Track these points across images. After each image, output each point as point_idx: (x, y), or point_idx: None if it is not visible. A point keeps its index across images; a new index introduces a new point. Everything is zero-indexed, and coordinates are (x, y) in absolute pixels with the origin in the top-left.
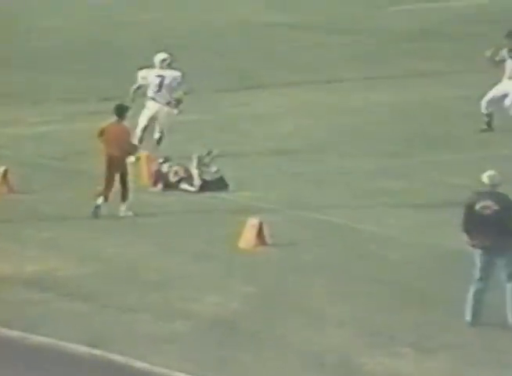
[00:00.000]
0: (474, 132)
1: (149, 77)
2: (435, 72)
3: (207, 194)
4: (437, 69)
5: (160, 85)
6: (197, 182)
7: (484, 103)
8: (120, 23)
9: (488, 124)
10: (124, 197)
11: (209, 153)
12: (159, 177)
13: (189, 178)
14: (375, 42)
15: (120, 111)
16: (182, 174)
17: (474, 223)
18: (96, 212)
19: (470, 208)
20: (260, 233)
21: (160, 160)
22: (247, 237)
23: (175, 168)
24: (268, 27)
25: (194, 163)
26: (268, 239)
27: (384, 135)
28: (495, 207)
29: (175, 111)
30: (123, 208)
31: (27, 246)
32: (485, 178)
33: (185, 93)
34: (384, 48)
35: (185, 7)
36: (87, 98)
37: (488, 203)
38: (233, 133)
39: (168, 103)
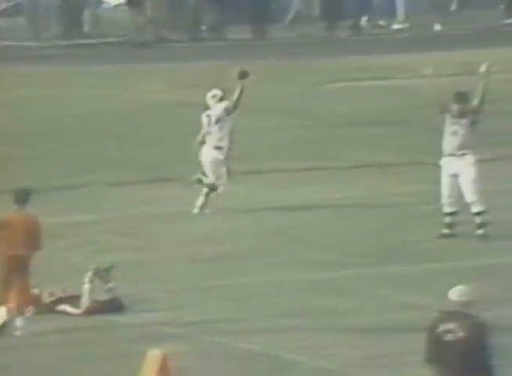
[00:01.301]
0: (432, 238)
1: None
2: (384, 164)
3: (97, 318)
4: (386, 160)
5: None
6: (85, 301)
7: (444, 199)
8: None
9: (450, 226)
10: (19, 309)
11: (108, 269)
12: None
13: (71, 298)
14: (312, 127)
15: (23, 196)
16: (59, 293)
17: (437, 353)
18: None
19: (432, 333)
20: (163, 369)
21: None
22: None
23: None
24: (181, 108)
25: (87, 277)
26: None
27: (323, 239)
28: (461, 334)
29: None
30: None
31: None
32: (453, 294)
33: None
34: (323, 135)
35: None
36: None
37: (452, 326)
38: (132, 237)
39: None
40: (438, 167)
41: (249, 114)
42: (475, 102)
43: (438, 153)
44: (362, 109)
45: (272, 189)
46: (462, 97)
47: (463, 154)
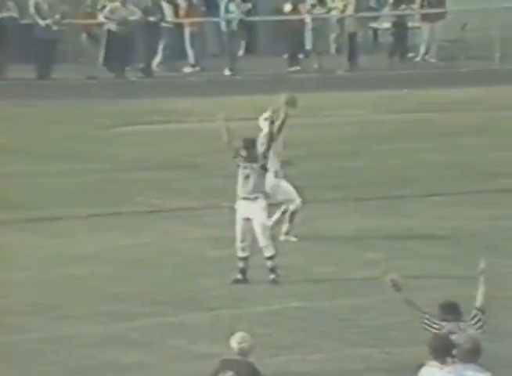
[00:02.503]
0: (226, 284)
1: None
2: (178, 208)
3: None
4: (180, 205)
5: None
6: None
7: (237, 243)
8: None
9: (243, 271)
10: None
11: None
12: None
13: None
14: (102, 171)
15: None
16: None
17: None
18: None
19: None
20: None
21: None
22: None
23: None
24: None
25: None
26: None
27: (113, 289)
28: None
29: None
30: None
31: None
32: (233, 341)
33: None
34: (114, 179)
35: None
36: None
37: (228, 374)
38: None
39: None
40: (232, 210)
41: (32, 159)
42: (263, 148)
43: (232, 197)
44: (155, 153)
45: (57, 238)
46: (250, 143)
47: (256, 198)
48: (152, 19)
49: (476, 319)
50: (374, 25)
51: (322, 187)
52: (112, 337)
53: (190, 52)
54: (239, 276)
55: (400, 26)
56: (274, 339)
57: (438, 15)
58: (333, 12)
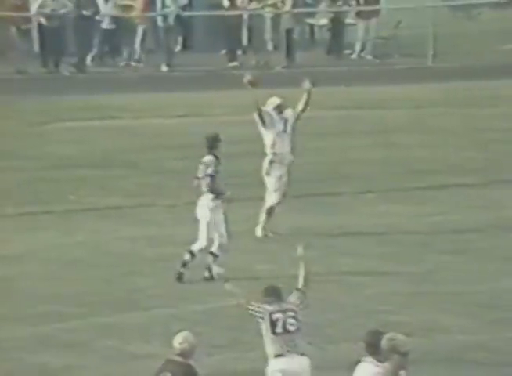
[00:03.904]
0: (163, 283)
1: None
2: (113, 206)
3: None
4: (115, 203)
5: None
6: None
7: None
8: None
9: (209, 269)
10: None
11: None
12: None
13: None
14: (33, 169)
15: None
16: None
17: None
18: None
19: None
20: None
21: None
22: None
23: None
24: None
25: None
26: None
27: (46, 290)
28: None
29: None
30: None
31: None
32: (175, 341)
33: None
34: (45, 177)
35: None
36: None
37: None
38: None
39: None
40: (168, 209)
41: None
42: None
43: (168, 196)
44: (88, 150)
45: None
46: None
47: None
48: (86, 12)
49: (298, 299)
50: (311, 21)
51: (259, 185)
52: (42, 339)
53: (138, 49)
54: (207, 273)
55: (337, 22)
56: (210, 338)
57: (372, 12)
58: (269, 8)
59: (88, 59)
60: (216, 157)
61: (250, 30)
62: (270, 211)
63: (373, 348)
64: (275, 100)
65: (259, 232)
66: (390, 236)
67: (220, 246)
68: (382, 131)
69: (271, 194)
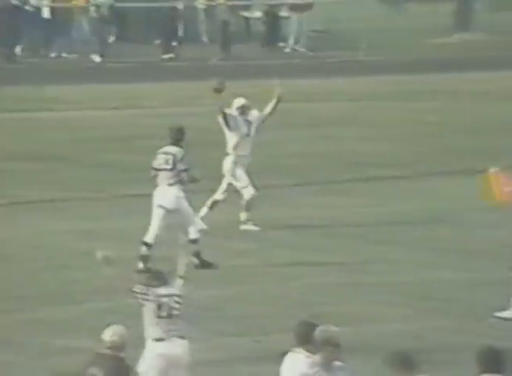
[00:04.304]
0: (92, 277)
1: None
2: (45, 200)
3: None
4: (47, 196)
5: None
6: None
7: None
8: None
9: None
10: None
11: None
12: None
13: None
14: None
15: None
16: None
17: None
18: None
19: None
20: None
21: None
22: None
23: None
24: None
25: None
26: None
27: None
28: None
29: None
30: None
31: None
32: (105, 335)
33: None
34: None
35: None
36: None
37: (95, 370)
38: None
39: None
40: (103, 202)
41: None
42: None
43: (103, 189)
44: (18, 143)
45: None
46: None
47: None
48: (15, 2)
49: (181, 286)
50: (246, 14)
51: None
52: None
53: (71, 40)
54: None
55: (271, 15)
56: (141, 331)
57: (305, 5)
58: (203, 0)
59: (18, 49)
60: (182, 150)
61: (185, 21)
62: (250, 205)
63: (304, 339)
64: (239, 101)
65: (245, 226)
66: (326, 228)
67: (198, 231)
68: (316, 124)
69: (246, 189)
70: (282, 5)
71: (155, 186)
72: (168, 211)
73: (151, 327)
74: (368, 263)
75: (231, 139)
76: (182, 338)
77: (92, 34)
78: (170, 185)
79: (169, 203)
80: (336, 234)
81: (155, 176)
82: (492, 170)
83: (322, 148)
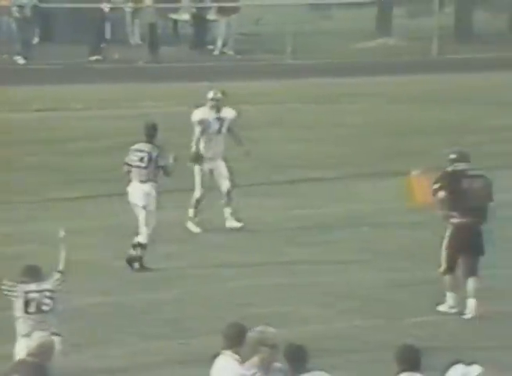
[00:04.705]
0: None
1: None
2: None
3: None
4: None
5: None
6: None
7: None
8: None
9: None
10: None
11: None
12: None
13: None
14: None
15: None
16: None
17: None
18: None
19: None
20: None
21: None
22: None
23: None
24: None
25: None
26: None
27: None
28: None
29: None
30: None
31: None
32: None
33: None
34: None
35: None
36: None
37: None
38: None
39: None
40: (25, 205)
41: None
42: None
43: (25, 192)
44: None
45: None
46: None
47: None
48: None
49: (57, 279)
50: (174, 16)
51: (120, 180)
52: None
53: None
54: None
55: (199, 18)
56: (70, 336)
57: (232, 9)
58: (130, 3)
59: None
60: (157, 146)
61: (113, 23)
62: (230, 197)
63: (232, 341)
64: (210, 94)
65: (229, 223)
66: (251, 230)
67: (148, 235)
68: (244, 126)
69: (224, 181)
70: (209, 8)
71: (128, 181)
72: (143, 208)
73: (20, 323)
74: (292, 264)
75: (202, 139)
76: (54, 334)
77: (15, 35)
78: (142, 182)
79: (141, 200)
80: (260, 236)
81: (128, 172)
82: (413, 172)
83: (249, 150)
